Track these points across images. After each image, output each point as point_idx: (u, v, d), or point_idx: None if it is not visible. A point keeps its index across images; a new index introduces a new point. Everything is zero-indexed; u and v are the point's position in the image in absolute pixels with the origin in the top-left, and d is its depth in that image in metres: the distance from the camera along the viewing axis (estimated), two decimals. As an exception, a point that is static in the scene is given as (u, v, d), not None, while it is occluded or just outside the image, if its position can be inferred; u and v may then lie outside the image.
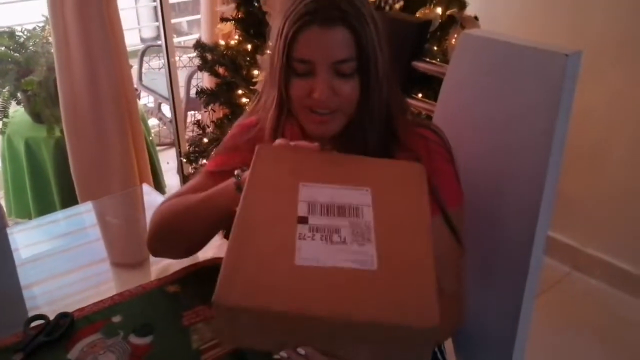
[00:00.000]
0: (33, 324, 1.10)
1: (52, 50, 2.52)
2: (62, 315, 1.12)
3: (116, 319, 1.12)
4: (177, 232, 1.16)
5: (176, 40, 3.93)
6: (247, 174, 0.97)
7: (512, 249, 1.25)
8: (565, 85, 1.09)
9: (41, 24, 2.81)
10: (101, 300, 1.17)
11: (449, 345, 1.38)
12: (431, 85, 1.71)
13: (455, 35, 2.08)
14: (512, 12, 2.65)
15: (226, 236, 1.22)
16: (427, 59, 1.63)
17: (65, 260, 1.51)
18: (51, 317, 1.11)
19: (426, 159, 1.09)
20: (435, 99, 1.38)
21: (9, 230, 1.57)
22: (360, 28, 1.00)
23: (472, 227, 1.20)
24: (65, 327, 1.09)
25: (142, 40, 5.74)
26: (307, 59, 1.01)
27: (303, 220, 0.84)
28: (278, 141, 1.00)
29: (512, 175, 1.22)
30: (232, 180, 1.04)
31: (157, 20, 2.89)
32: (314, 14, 0.99)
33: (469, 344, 1.36)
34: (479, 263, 1.30)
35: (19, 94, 2.72)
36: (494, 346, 1.31)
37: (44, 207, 2.74)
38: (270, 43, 1.11)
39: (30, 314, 1.15)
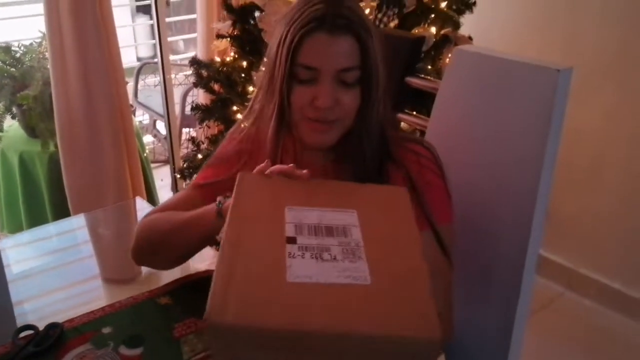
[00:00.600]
0: (22, 334, 1.10)
1: (48, 66, 2.54)
2: (52, 326, 1.11)
3: (106, 329, 1.12)
4: (159, 247, 1.16)
5: (172, 58, 3.95)
6: (229, 201, 0.95)
7: (504, 266, 1.24)
8: (557, 100, 1.10)
9: (38, 40, 2.83)
10: (91, 312, 1.16)
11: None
12: (424, 102, 1.71)
13: (449, 55, 2.09)
14: (506, 32, 2.68)
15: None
16: (421, 75, 1.64)
17: (56, 276, 1.50)
18: (41, 328, 1.11)
19: (417, 173, 1.09)
20: (429, 116, 1.39)
21: (0, 245, 1.56)
22: (365, 38, 1.01)
23: (464, 244, 1.20)
24: (55, 338, 1.08)
25: (139, 59, 5.77)
26: (313, 66, 1.01)
27: (292, 240, 0.83)
28: (260, 167, 0.98)
29: (504, 190, 1.22)
30: (213, 205, 1.04)
31: (154, 39, 2.91)
32: (321, 21, 0.99)
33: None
34: (472, 280, 1.30)
35: (14, 109, 2.72)
36: (487, 363, 1.30)
37: (37, 223, 2.73)
38: (266, 59, 1.11)
39: (21, 328, 1.14)
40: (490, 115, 1.24)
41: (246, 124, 1.21)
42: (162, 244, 1.15)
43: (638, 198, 2.46)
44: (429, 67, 2.09)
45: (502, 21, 2.68)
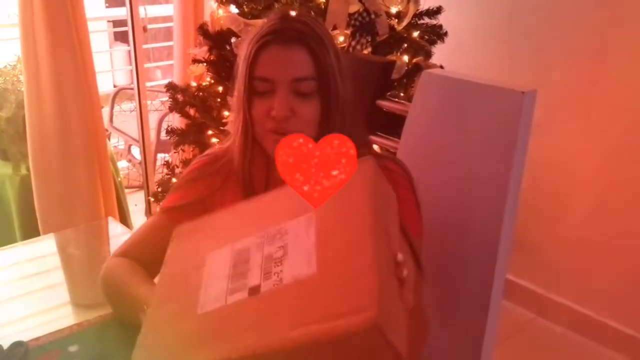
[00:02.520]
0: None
1: (21, 88, 2.53)
2: (17, 344, 1.09)
3: (73, 348, 1.10)
4: (116, 309, 1.18)
5: (149, 85, 3.96)
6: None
7: (471, 289, 1.25)
8: (522, 122, 1.13)
9: (13, 63, 2.82)
10: (58, 330, 1.15)
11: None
12: (395, 125, 1.74)
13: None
14: (477, 61, 2.73)
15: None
16: (391, 98, 1.67)
17: (24, 301, 1.48)
18: (5, 347, 1.09)
19: None
20: (399, 138, 1.41)
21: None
22: (317, 49, 1.05)
23: (431, 266, 1.17)
24: (19, 357, 1.06)
25: (116, 86, 5.77)
26: (267, 77, 1.05)
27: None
28: None
29: (471, 211, 1.24)
30: None
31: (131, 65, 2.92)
32: (273, 34, 1.05)
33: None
34: (439, 303, 1.30)
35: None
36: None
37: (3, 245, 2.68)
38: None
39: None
40: (457, 137, 1.26)
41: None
42: (116, 309, 1.17)
43: (605, 224, 2.50)
44: (402, 94, 2.13)
45: (473, 51, 2.74)
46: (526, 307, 2.75)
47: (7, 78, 2.74)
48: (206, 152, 1.28)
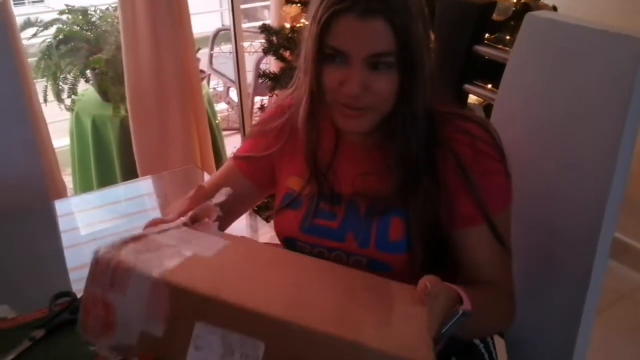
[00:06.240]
0: (59, 301, 1.09)
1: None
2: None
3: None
4: None
5: (249, 25, 3.92)
6: None
7: (572, 253, 1.14)
8: (640, 74, 0.98)
9: (114, 5, 2.85)
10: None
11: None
12: (494, 73, 1.59)
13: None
14: (596, 3, 2.48)
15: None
16: (490, 44, 1.51)
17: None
18: (79, 295, 1.09)
19: (472, 161, 0.99)
20: (498, 87, 1.28)
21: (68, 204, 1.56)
22: (402, 23, 0.90)
23: (527, 229, 1.13)
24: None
25: (223, 26, 5.79)
26: (341, 49, 0.92)
27: None
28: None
29: (576, 169, 1.11)
30: None
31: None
32: (354, 1, 0.89)
33: (523, 356, 1.27)
34: (535, 268, 1.21)
35: (88, 72, 2.75)
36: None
37: (106, 184, 2.78)
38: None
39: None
40: (564, 88, 1.12)
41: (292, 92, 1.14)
42: None
43: None
44: (507, 37, 1.96)
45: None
46: (636, 270, 2.56)
47: (109, 20, 2.77)
48: (279, 100, 1.21)
